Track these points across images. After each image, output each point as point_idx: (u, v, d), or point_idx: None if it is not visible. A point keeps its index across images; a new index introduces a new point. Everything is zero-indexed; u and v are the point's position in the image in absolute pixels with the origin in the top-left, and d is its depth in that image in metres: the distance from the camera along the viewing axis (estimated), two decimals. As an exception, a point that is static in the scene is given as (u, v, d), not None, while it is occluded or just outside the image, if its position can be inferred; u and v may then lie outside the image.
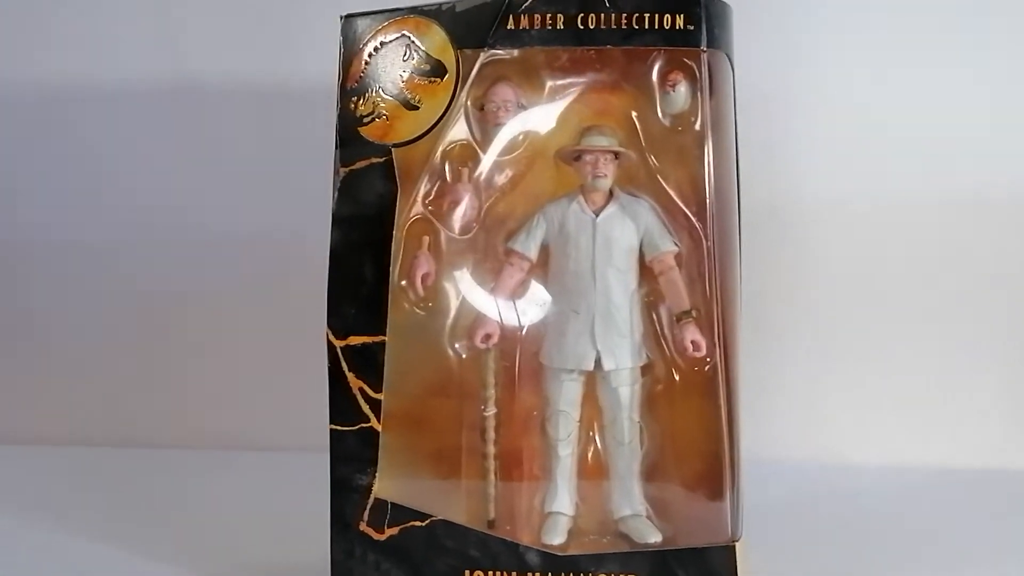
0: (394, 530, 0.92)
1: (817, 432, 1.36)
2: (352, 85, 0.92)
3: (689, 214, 0.93)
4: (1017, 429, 1.35)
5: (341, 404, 0.92)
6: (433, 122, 0.91)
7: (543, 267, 0.95)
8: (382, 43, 0.91)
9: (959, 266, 1.34)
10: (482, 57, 0.90)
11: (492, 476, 0.94)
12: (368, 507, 0.92)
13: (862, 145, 1.33)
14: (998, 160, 1.32)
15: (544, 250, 0.95)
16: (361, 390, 0.92)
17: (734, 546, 0.90)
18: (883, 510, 1.18)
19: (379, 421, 0.91)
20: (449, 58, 0.90)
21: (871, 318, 1.35)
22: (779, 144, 1.33)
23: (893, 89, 1.32)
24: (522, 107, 0.93)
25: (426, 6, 0.91)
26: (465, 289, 0.95)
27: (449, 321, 0.95)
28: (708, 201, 0.92)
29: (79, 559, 1.06)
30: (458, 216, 0.94)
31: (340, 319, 0.91)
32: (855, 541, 1.08)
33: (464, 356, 0.95)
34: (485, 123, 0.93)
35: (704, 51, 0.90)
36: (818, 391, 1.37)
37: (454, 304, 0.95)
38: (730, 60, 0.93)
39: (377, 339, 0.91)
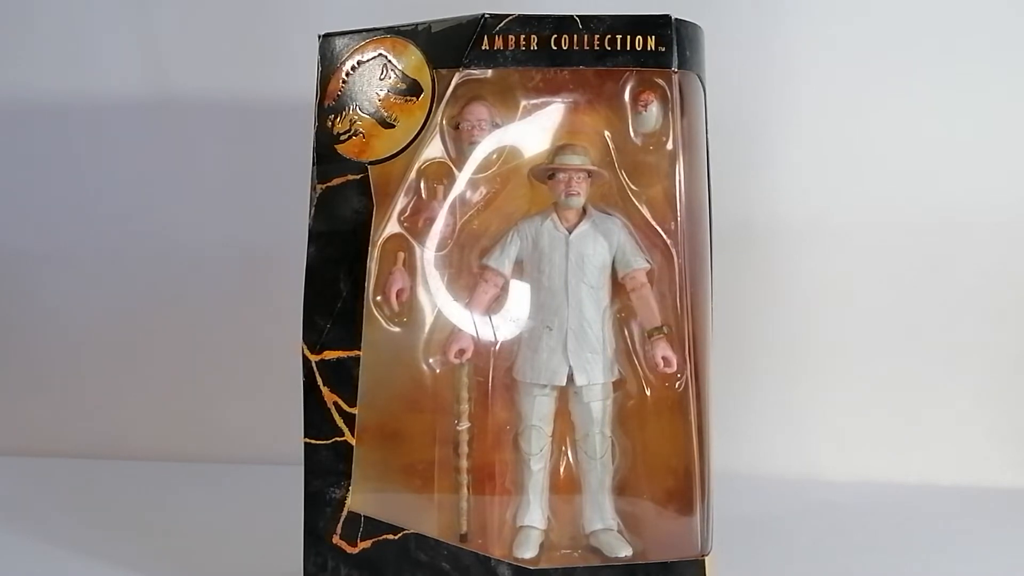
0: (367, 543, 0.93)
1: (791, 447, 1.37)
2: (330, 103, 0.93)
3: (661, 232, 0.95)
4: (994, 445, 1.36)
5: (315, 418, 0.92)
6: (409, 140, 0.92)
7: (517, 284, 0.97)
8: (359, 62, 0.93)
9: (934, 282, 1.36)
10: (457, 77, 0.92)
11: (465, 490, 0.95)
12: (341, 520, 0.93)
13: (837, 162, 1.35)
14: (972, 177, 1.34)
15: (518, 266, 0.96)
16: (335, 404, 0.92)
17: (704, 560, 0.91)
18: (856, 525, 1.19)
19: (353, 435, 0.92)
20: (425, 77, 0.92)
21: (845, 334, 1.37)
22: (755, 162, 1.35)
23: (868, 108, 1.34)
24: (496, 126, 0.94)
25: (403, 26, 0.93)
26: (440, 305, 0.96)
27: (423, 336, 0.96)
28: (679, 219, 0.93)
29: (51, 570, 1.06)
30: (433, 233, 0.95)
31: (315, 333, 0.92)
32: (828, 556, 1.09)
33: (438, 371, 0.96)
34: (460, 141, 0.94)
35: (675, 72, 0.91)
36: (792, 406, 1.38)
37: (428, 319, 0.96)
38: (701, 80, 0.95)
39: (352, 354, 0.92)
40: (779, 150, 1.35)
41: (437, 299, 0.96)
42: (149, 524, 1.20)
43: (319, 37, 0.94)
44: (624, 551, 0.94)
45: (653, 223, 0.95)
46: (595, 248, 0.95)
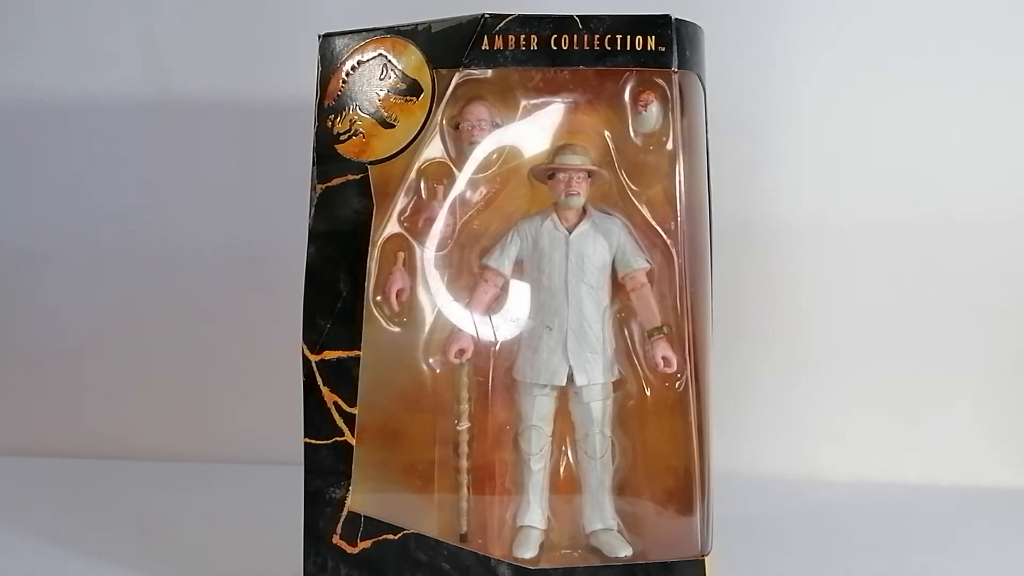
0: (367, 543, 0.93)
1: (791, 447, 1.37)
2: (330, 103, 0.93)
3: (661, 232, 0.95)
4: (994, 445, 1.36)
5: (315, 418, 0.92)
6: (409, 140, 0.92)
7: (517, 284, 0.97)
8: (359, 62, 0.93)
9: (934, 282, 1.35)
10: (457, 77, 0.92)
11: (465, 490, 0.95)
12: (341, 520, 0.93)
13: (837, 162, 1.35)
14: (972, 177, 1.34)
15: (518, 266, 0.96)
16: (335, 404, 0.92)
17: (704, 560, 0.92)
18: (856, 525, 1.19)
19: (353, 435, 0.92)
20: (425, 77, 0.92)
21: (845, 334, 1.37)
22: (755, 162, 1.34)
23: (868, 108, 1.34)
24: (496, 126, 0.94)
25: (403, 26, 0.93)
26: (440, 305, 0.96)
27: (423, 336, 0.96)
28: (679, 219, 0.93)
29: (51, 570, 1.06)
30: (433, 233, 0.95)
31: (315, 333, 0.92)
32: (827, 556, 1.09)
33: (438, 371, 0.96)
34: (460, 141, 0.94)
35: (675, 72, 0.91)
36: (792, 406, 1.38)
37: (428, 319, 0.96)
38: (701, 80, 0.95)
39: (352, 353, 0.92)
40: (779, 150, 1.35)
41: (437, 299, 0.96)
42: (149, 524, 1.20)
43: (319, 37, 0.94)
44: (624, 551, 0.94)
45: (653, 223, 0.95)
46: (595, 248, 0.95)
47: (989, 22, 1.32)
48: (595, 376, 0.95)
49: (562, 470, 0.98)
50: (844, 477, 1.34)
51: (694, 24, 0.93)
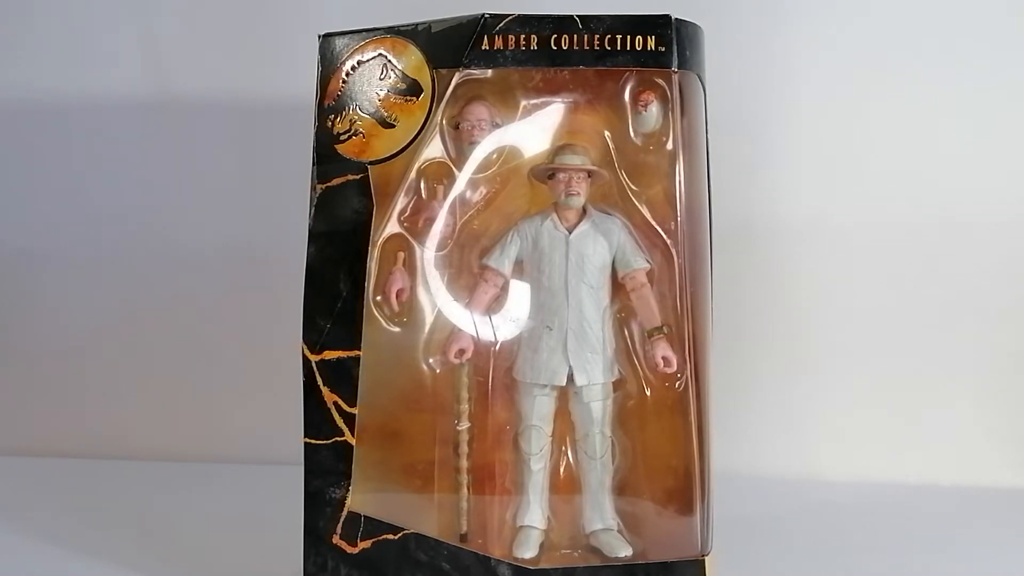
0: (367, 543, 0.93)
1: (791, 447, 1.37)
2: (330, 103, 0.93)
3: (661, 232, 0.95)
4: (994, 445, 1.36)
5: (315, 418, 0.92)
6: (409, 140, 0.92)
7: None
8: (359, 62, 0.93)
9: (934, 282, 1.36)
10: (457, 76, 0.92)
11: (465, 490, 0.95)
12: (341, 520, 0.93)
13: (837, 162, 1.35)
14: (972, 177, 1.34)
15: (518, 266, 0.96)
16: (335, 404, 0.93)
17: (704, 560, 0.92)
18: (856, 525, 1.19)
19: (353, 435, 0.92)
20: (425, 77, 0.92)
21: (845, 334, 1.37)
22: (755, 162, 1.35)
23: (868, 108, 1.34)
24: (496, 126, 0.94)
25: (403, 26, 0.93)
26: (440, 305, 0.96)
27: (423, 336, 0.96)
28: (679, 219, 0.93)
29: (51, 570, 1.06)
30: (433, 233, 0.95)
31: (315, 333, 0.92)
32: (828, 556, 1.09)
33: (438, 371, 0.96)
34: (460, 141, 0.94)
35: (675, 72, 0.91)
36: (792, 406, 1.38)
37: (428, 319, 0.96)
38: (701, 80, 0.95)
39: (352, 353, 0.92)
40: (779, 150, 1.35)
41: (437, 299, 0.96)
42: (149, 524, 1.20)
43: (319, 37, 0.94)
44: (624, 551, 0.94)
45: (653, 223, 0.95)
46: (595, 248, 0.95)
47: (989, 22, 1.32)
48: (595, 376, 0.95)
49: (562, 470, 0.98)
50: (844, 477, 1.34)
51: (694, 24, 0.93)
